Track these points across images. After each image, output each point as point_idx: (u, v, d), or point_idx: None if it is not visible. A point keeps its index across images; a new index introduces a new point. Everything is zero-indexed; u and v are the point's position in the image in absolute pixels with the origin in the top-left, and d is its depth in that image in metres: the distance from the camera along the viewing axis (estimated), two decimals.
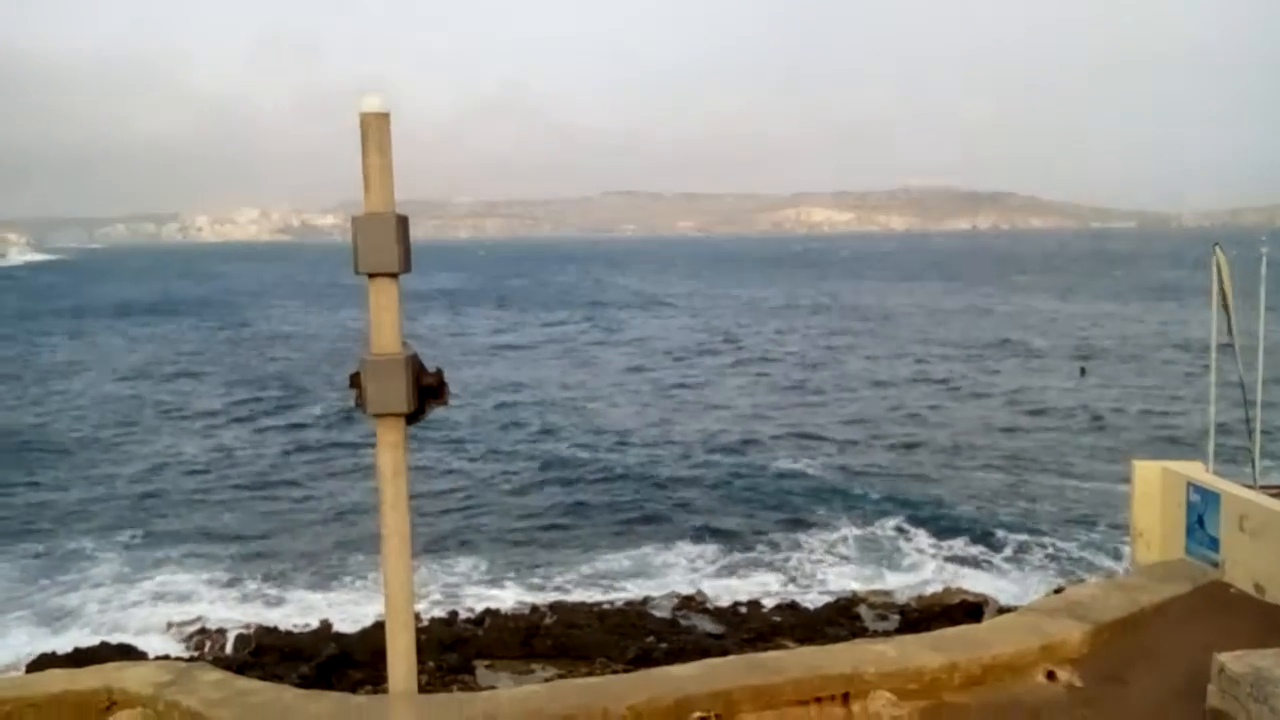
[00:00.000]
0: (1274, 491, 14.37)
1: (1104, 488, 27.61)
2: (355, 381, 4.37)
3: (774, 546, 23.44)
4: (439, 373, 4.48)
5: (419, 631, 18.19)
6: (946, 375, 50.81)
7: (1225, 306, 14.88)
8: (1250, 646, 10.34)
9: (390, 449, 4.55)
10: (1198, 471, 14.61)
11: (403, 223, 4.49)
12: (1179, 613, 12.61)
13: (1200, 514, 13.91)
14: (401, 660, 4.65)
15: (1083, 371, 49.88)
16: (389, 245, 4.48)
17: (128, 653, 17.35)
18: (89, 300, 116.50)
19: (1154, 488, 14.81)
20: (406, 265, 4.50)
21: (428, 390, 4.48)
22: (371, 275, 4.39)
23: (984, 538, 23.79)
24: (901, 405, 41.75)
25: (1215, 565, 13.55)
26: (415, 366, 4.45)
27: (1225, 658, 9.90)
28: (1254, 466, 15.38)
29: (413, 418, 4.46)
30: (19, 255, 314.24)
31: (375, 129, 4.52)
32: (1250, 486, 14.38)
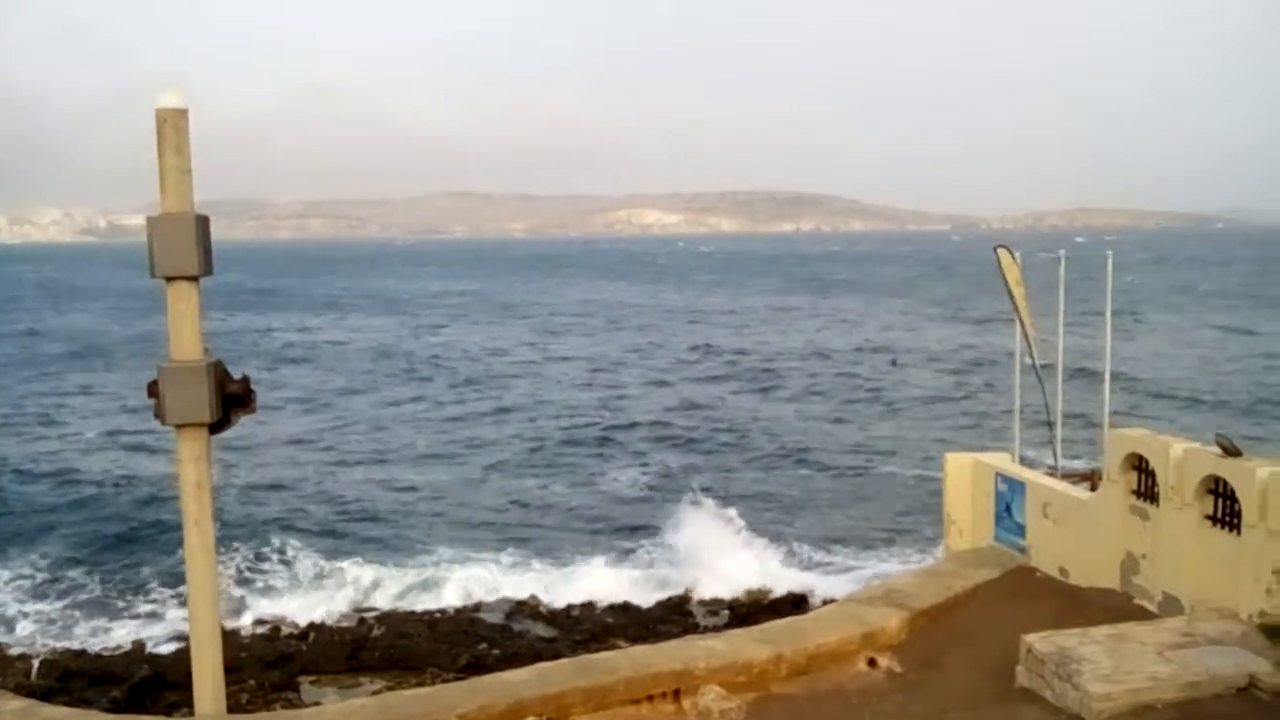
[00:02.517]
0: (1075, 479, 15.27)
1: (919, 477, 28.77)
2: (153, 390, 4.10)
3: (606, 549, 23.50)
4: (245, 379, 4.26)
5: (239, 649, 17.57)
6: (748, 369, 52.23)
7: (1012, 299, 15.79)
8: (1056, 627, 10.96)
9: (192, 462, 4.30)
10: (1005, 462, 15.40)
11: (203, 223, 4.25)
12: (989, 597, 13.26)
13: (1008, 502, 14.65)
14: (208, 680, 4.44)
15: (894, 363, 51.93)
16: (188, 247, 4.23)
17: None
18: None
19: (965, 478, 15.54)
20: (208, 268, 4.27)
21: (233, 398, 4.25)
22: (170, 279, 4.13)
23: (804, 530, 24.43)
24: (694, 401, 42.39)
25: (1022, 551, 14.30)
26: (218, 373, 4.22)
27: (1032, 638, 10.45)
28: (1055, 456, 16.27)
29: (217, 427, 4.22)
30: None
31: (172, 126, 4.26)
32: (1053, 474, 15.24)
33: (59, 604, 20.60)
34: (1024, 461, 16.13)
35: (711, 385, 48.07)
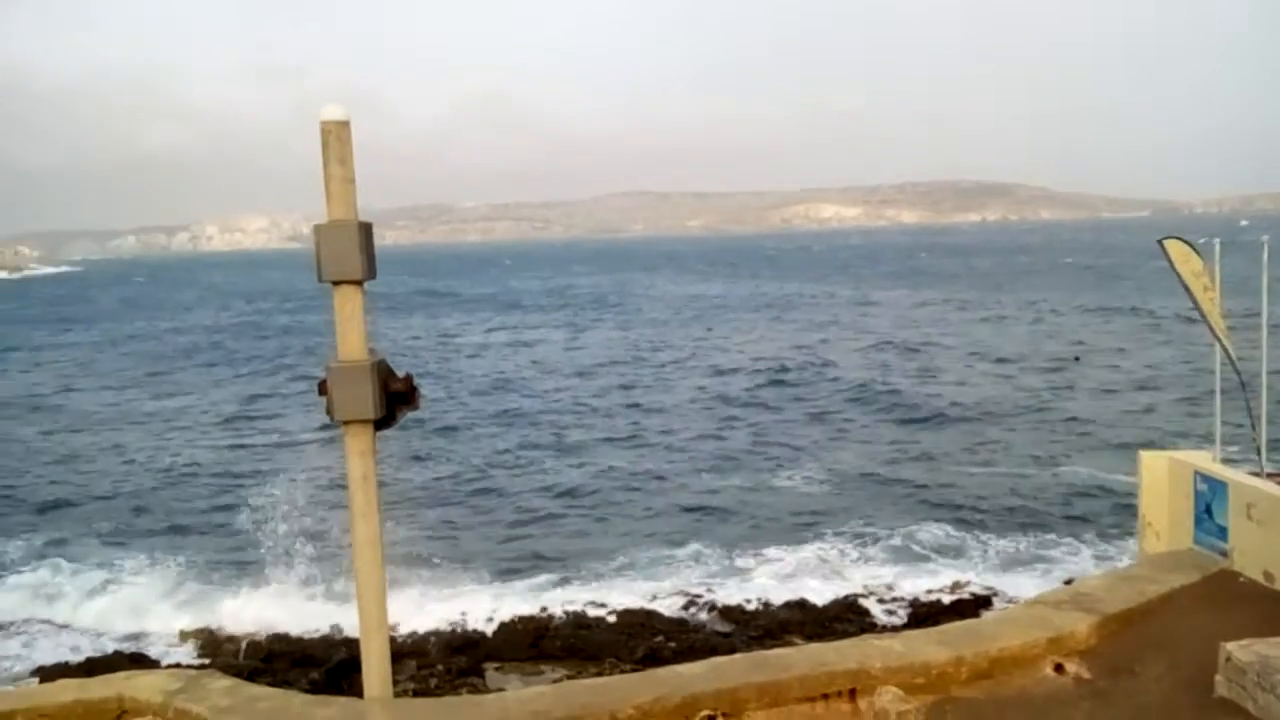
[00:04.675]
0: None
1: (1110, 479, 27.52)
2: (323, 388, 4.37)
3: (783, 545, 23.40)
4: (408, 378, 4.48)
5: (428, 635, 18.34)
6: (941, 368, 50.83)
7: (1192, 296, 14.79)
8: (1259, 635, 10.31)
9: (359, 455, 4.55)
10: (1205, 461, 14.55)
11: (365, 230, 4.48)
12: (1187, 602, 12.55)
13: (1208, 503, 13.85)
14: (375, 666, 4.67)
15: (1077, 359, 49.75)
16: (352, 253, 4.47)
17: (139, 661, 17.47)
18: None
19: (1161, 478, 14.76)
20: (371, 272, 4.49)
21: (397, 396, 4.48)
22: (336, 283, 4.37)
23: (991, 531, 23.71)
24: (900, 402, 41.42)
25: (1224, 554, 13.49)
26: (383, 372, 4.46)
27: (1232, 647, 9.87)
28: (1260, 455, 15.30)
29: (383, 423, 4.46)
30: (39, 268, 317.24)
31: (336, 138, 4.51)
32: (1258, 474, 14.32)
33: (262, 591, 21.86)
34: (1225, 461, 15.22)
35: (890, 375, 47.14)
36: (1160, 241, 14.93)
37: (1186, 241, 14.91)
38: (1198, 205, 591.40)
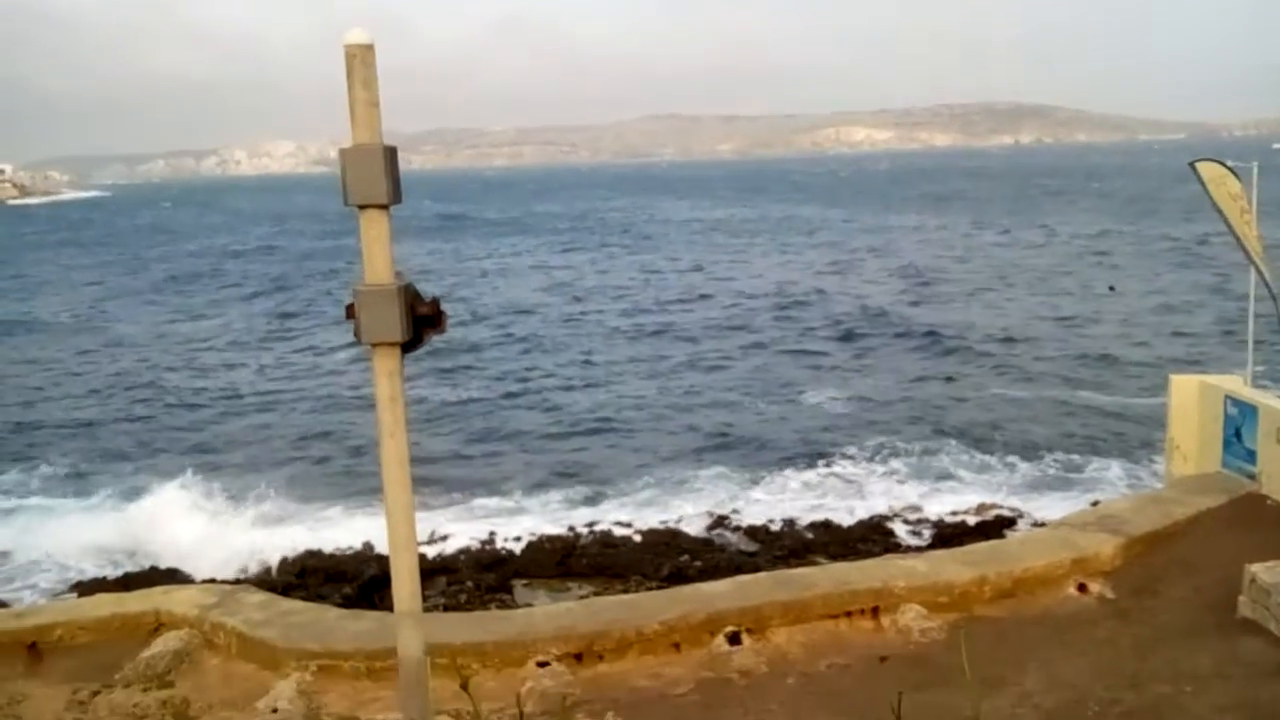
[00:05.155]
0: None
1: (1139, 403, 27.36)
2: (350, 312, 4.44)
3: (809, 465, 23.49)
4: (435, 301, 4.51)
5: (457, 553, 18.64)
6: (969, 289, 50.43)
7: (1226, 219, 14.48)
8: None
9: (386, 377, 4.58)
10: (1235, 384, 14.42)
11: (391, 154, 4.50)
12: (1213, 525, 12.54)
13: (1238, 427, 13.77)
14: (405, 582, 4.73)
15: (1111, 288, 49.15)
16: (377, 177, 4.47)
17: (174, 577, 17.86)
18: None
19: (1191, 401, 14.66)
20: (397, 196, 4.51)
21: (424, 319, 4.52)
22: (362, 207, 4.40)
23: (1017, 454, 23.68)
24: (921, 327, 41.14)
25: (1252, 478, 13.44)
26: (409, 295, 4.50)
27: (1257, 568, 9.88)
28: None
29: (410, 346, 4.52)
30: (69, 193, 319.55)
31: (360, 61, 4.48)
32: None
33: (295, 508, 22.21)
34: (1255, 385, 15.08)
35: (914, 308, 46.82)
36: (1192, 164, 14.59)
37: (1223, 163, 14.57)
38: (1236, 128, 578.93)
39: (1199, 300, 44.31)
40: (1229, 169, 14.53)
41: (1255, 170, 14.62)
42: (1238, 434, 13.80)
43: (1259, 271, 14.72)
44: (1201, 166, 14.51)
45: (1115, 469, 22.33)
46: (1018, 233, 78.55)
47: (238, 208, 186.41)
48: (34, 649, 10.43)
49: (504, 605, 15.96)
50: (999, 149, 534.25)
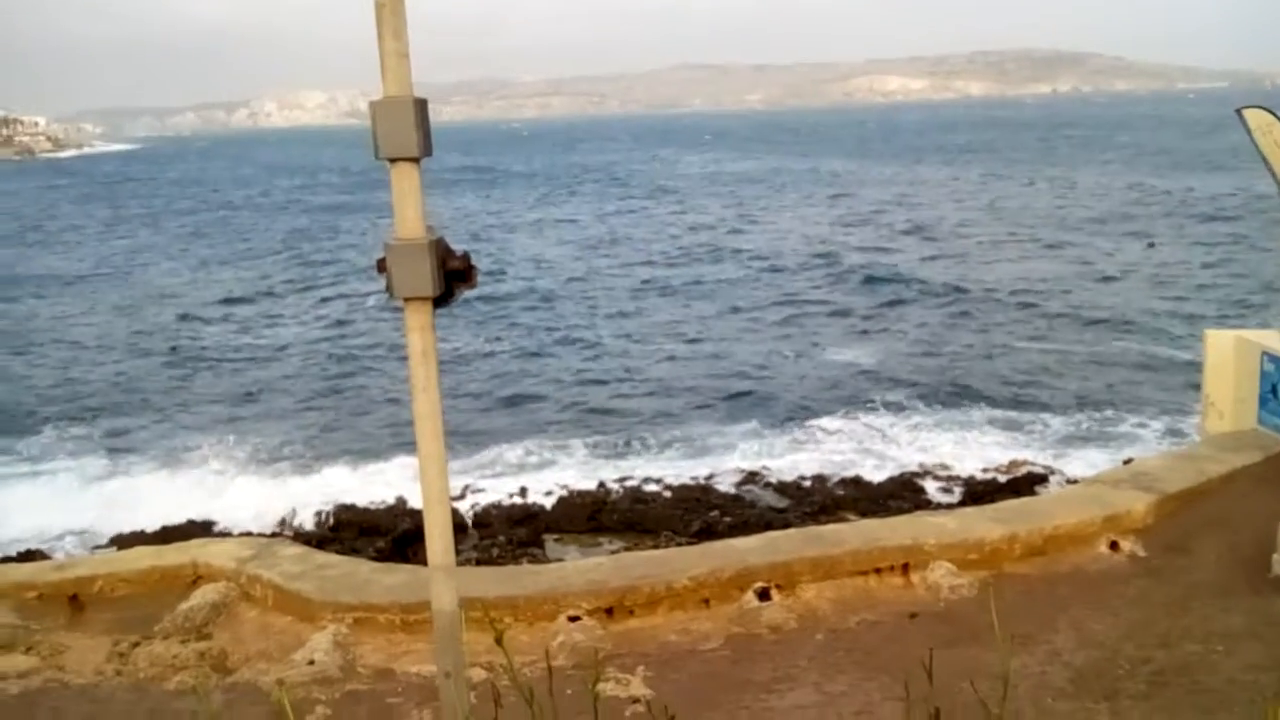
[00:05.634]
0: None
1: (1174, 357, 27.08)
2: (381, 267, 4.40)
3: (839, 421, 23.45)
4: (466, 256, 4.47)
5: (489, 508, 18.80)
6: (997, 242, 49.89)
7: (1271, 168, 14.18)
8: None
9: (418, 331, 4.56)
10: (1274, 340, 14.23)
11: (421, 106, 4.44)
12: (1248, 483, 12.44)
13: (1274, 383, 13.60)
14: (438, 536, 4.75)
15: (1151, 244, 48.45)
16: (408, 130, 4.41)
17: (210, 530, 18.14)
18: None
19: (1227, 357, 14.48)
20: (427, 149, 4.46)
21: (454, 274, 4.48)
22: (392, 160, 4.36)
23: (1050, 410, 23.54)
24: (939, 280, 40.78)
25: None
26: (440, 250, 4.45)
27: None
28: None
29: (441, 301, 4.48)
30: (101, 145, 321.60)
31: (390, 11, 4.41)
32: None
33: (330, 463, 22.47)
34: None
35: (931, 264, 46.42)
36: (1239, 111, 14.29)
37: (1272, 111, 14.27)
38: None
39: (1233, 255, 43.69)
40: (1278, 117, 14.24)
41: None
42: (1274, 390, 13.65)
43: None
44: (1249, 114, 14.22)
45: (1149, 426, 22.17)
46: (1042, 185, 77.59)
47: (268, 161, 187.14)
48: (75, 600, 10.62)
49: (535, 560, 16.12)
50: (1033, 99, 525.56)
